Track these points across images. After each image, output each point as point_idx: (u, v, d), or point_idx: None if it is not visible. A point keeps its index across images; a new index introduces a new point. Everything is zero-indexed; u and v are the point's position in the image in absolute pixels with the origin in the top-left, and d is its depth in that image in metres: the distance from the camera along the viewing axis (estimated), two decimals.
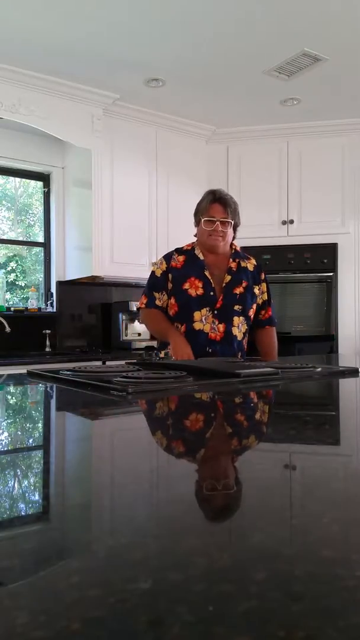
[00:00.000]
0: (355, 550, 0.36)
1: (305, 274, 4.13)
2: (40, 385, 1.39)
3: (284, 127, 4.17)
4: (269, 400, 1.17)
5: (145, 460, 0.64)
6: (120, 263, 3.84)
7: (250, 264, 2.31)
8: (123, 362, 1.78)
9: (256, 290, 2.28)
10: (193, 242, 2.32)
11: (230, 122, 4.16)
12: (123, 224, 3.85)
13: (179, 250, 2.30)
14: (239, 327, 2.20)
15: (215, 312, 2.16)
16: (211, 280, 2.19)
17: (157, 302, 2.24)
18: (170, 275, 2.23)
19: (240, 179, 4.27)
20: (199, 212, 2.25)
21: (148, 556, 0.35)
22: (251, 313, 2.26)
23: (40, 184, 4.19)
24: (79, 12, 2.75)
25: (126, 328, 3.97)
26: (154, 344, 3.51)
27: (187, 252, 2.28)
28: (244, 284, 2.23)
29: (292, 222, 4.18)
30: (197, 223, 2.27)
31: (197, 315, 2.16)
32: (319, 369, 1.51)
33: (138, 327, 3.96)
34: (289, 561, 0.34)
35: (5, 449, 0.71)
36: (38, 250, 4.25)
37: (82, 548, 0.37)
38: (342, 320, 4.12)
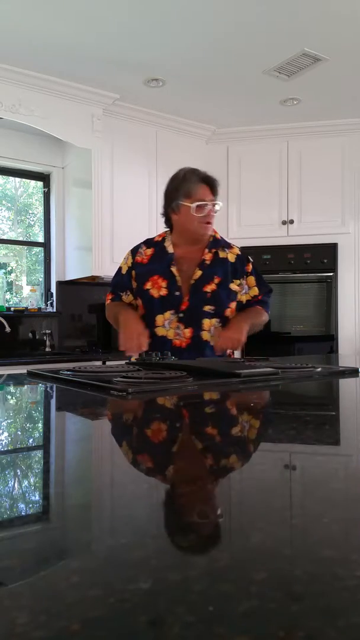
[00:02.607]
0: (355, 550, 0.36)
1: (305, 274, 4.14)
2: (40, 385, 1.39)
3: (284, 127, 4.17)
4: (268, 400, 1.16)
5: (145, 460, 0.64)
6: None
7: (232, 254, 1.94)
8: (123, 362, 1.78)
9: (234, 286, 1.91)
10: (166, 231, 1.99)
11: (230, 122, 4.16)
12: (123, 224, 3.84)
13: (148, 242, 1.99)
14: (212, 332, 1.86)
15: (180, 314, 1.84)
16: (178, 278, 1.86)
17: (124, 299, 2.00)
18: (134, 273, 1.96)
19: (240, 179, 4.27)
20: (183, 195, 1.84)
21: (148, 556, 0.35)
22: (229, 313, 1.90)
23: (40, 184, 4.19)
24: (79, 12, 2.75)
25: None
26: None
27: (156, 244, 1.96)
28: (216, 280, 1.88)
29: (292, 222, 4.18)
30: (177, 208, 1.87)
31: (159, 319, 1.85)
32: (319, 369, 1.51)
33: None
34: (289, 561, 0.34)
35: (5, 449, 0.71)
36: (38, 250, 4.25)
37: (82, 548, 0.37)
38: (342, 320, 4.12)
